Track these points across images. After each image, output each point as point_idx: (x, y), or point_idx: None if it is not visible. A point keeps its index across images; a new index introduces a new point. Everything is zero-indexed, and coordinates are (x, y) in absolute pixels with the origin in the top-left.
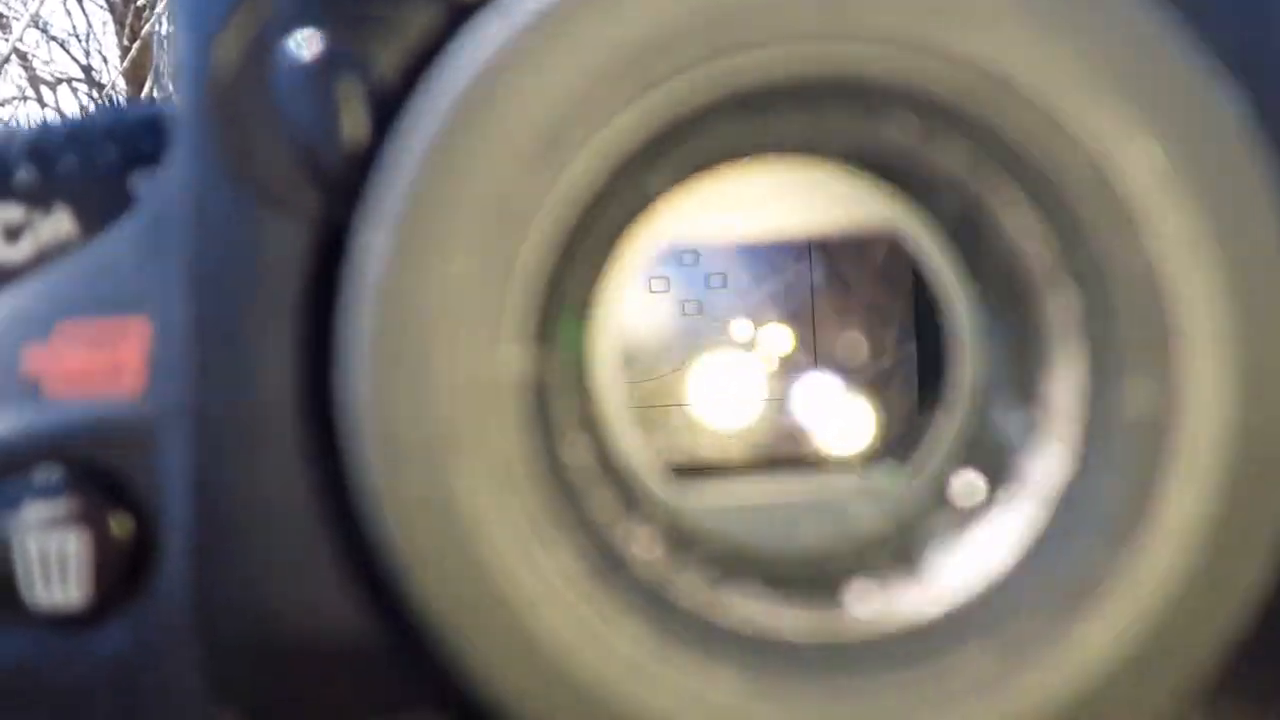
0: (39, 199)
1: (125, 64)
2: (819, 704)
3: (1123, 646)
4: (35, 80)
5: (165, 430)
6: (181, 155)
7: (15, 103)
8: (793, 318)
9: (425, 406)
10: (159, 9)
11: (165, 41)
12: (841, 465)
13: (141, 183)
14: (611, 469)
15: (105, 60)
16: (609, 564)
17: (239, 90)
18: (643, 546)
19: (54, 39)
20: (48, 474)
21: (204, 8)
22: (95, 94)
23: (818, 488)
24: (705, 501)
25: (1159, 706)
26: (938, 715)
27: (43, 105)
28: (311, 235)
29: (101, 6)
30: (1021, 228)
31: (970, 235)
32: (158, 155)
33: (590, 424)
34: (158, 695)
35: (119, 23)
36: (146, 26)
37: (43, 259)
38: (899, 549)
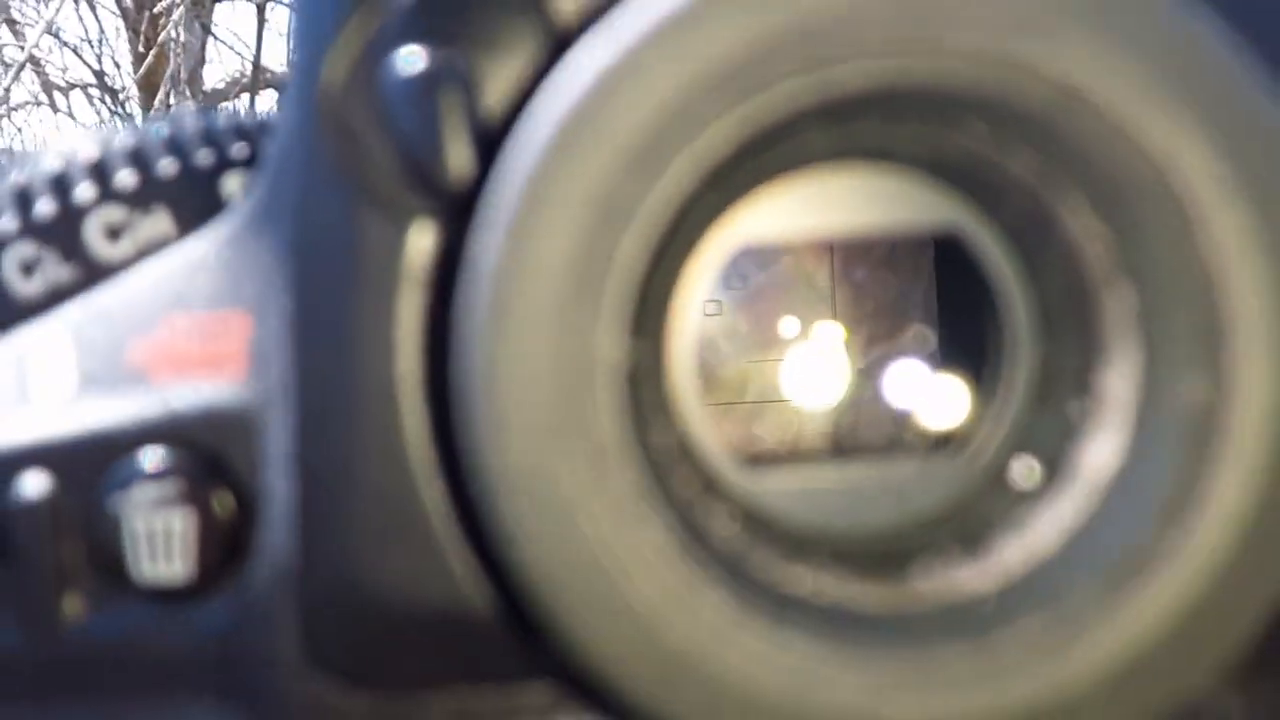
0: (139, 200)
1: (140, 71)
2: (884, 668)
3: (1169, 621)
4: (48, 86)
5: (267, 415)
6: (290, 159)
7: (29, 108)
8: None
9: (531, 389)
10: (174, 16)
11: (180, 48)
12: (907, 452)
13: (235, 185)
14: (689, 452)
15: (118, 66)
16: (692, 538)
17: (348, 99)
18: (720, 524)
19: (67, 45)
20: (154, 456)
21: (317, 21)
22: (108, 100)
23: (883, 474)
24: (777, 486)
25: (1202, 679)
26: (994, 682)
27: (55, 111)
28: (413, 234)
29: (114, 13)
30: (1083, 230)
31: (1032, 237)
32: (249, 160)
33: (670, 409)
34: (258, 666)
35: (132, 29)
36: (162, 35)
37: (142, 257)
38: (960, 529)
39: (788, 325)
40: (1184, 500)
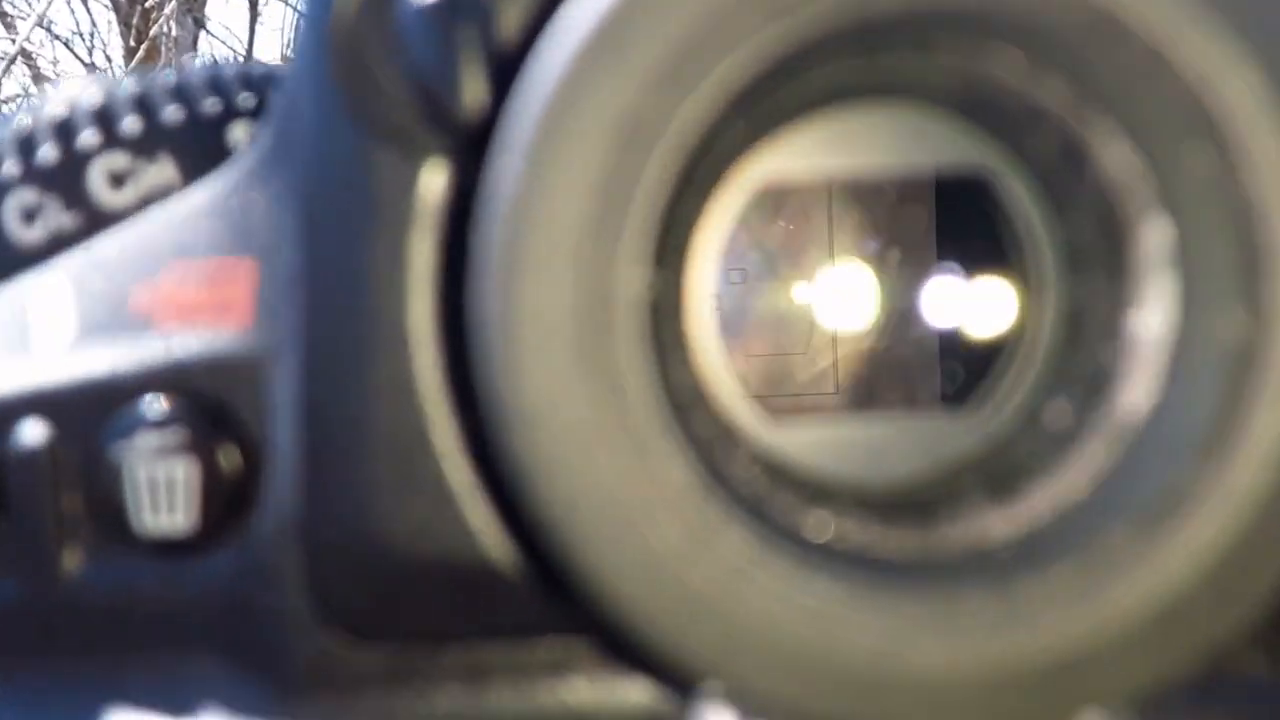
0: (144, 147)
1: (131, 65)
2: (908, 612)
3: (1201, 565)
4: (39, 78)
5: (273, 362)
6: (301, 97)
7: (19, 101)
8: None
9: (550, 321)
10: (166, 10)
11: (172, 42)
12: (932, 399)
13: (241, 134)
14: (707, 393)
15: (109, 60)
16: (713, 478)
17: (361, 32)
18: (740, 466)
19: (58, 38)
20: (157, 404)
21: None
22: None
23: (908, 423)
24: (799, 435)
25: (1234, 626)
26: (1020, 627)
27: None
28: (427, 171)
29: (106, 6)
30: (1117, 163)
31: (1062, 173)
32: (255, 109)
33: (688, 347)
34: (263, 620)
35: (124, 23)
36: (154, 28)
37: (146, 205)
38: (988, 475)
39: (811, 265)
40: (1221, 438)
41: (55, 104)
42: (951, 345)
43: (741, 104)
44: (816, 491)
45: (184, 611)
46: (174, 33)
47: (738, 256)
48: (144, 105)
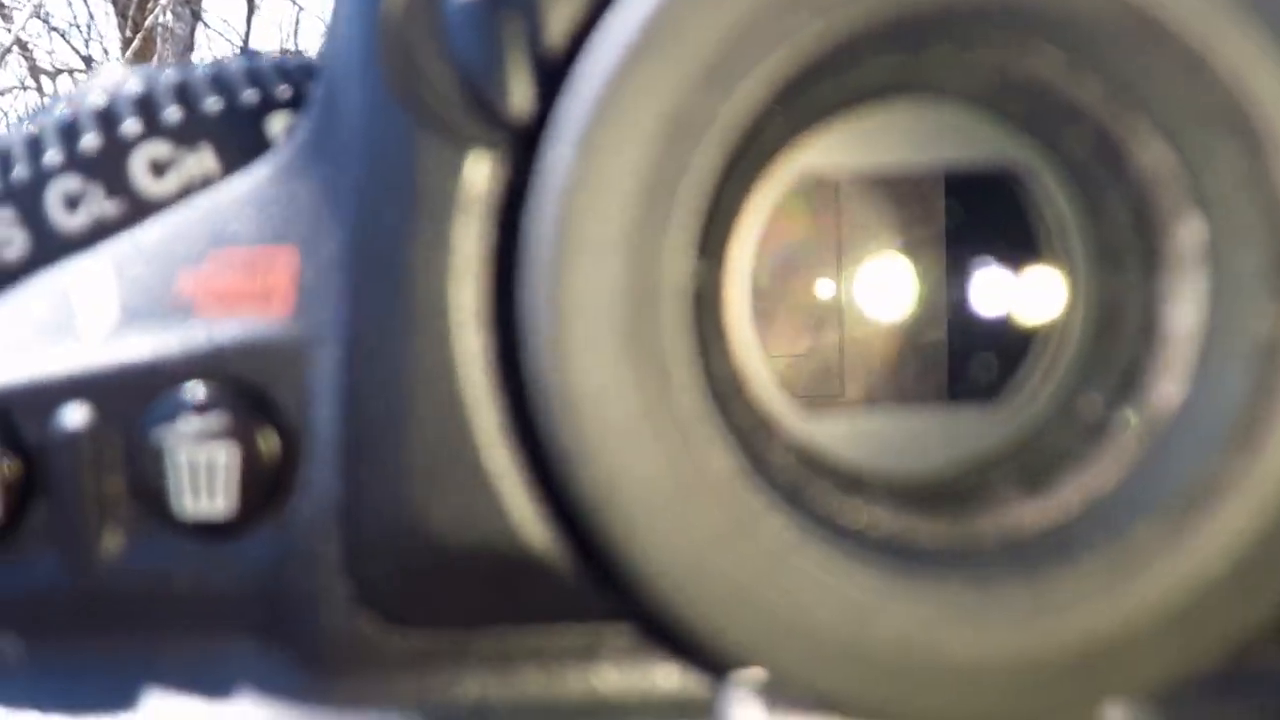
0: (185, 137)
1: (127, 55)
2: (942, 601)
3: (1231, 557)
4: (35, 70)
5: (314, 349)
6: (346, 88)
7: (15, 92)
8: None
9: (598, 307)
10: (164, 1)
11: (168, 34)
12: (967, 394)
13: (280, 125)
14: (745, 383)
15: (106, 52)
16: (752, 466)
17: (409, 25)
18: (778, 454)
19: (55, 29)
20: (199, 389)
21: None
22: None
23: (942, 417)
24: (835, 427)
25: (1262, 615)
26: (1052, 617)
27: (42, 95)
28: (472, 162)
29: None
30: (1152, 160)
31: (1096, 171)
32: (294, 101)
33: (728, 337)
34: (301, 604)
35: (121, 14)
36: (150, 20)
37: (187, 193)
38: (1021, 467)
39: (847, 258)
40: (1250, 431)
41: (96, 93)
42: (986, 338)
43: (785, 98)
44: (851, 482)
45: (221, 595)
46: (171, 24)
47: (775, 248)
48: (185, 95)
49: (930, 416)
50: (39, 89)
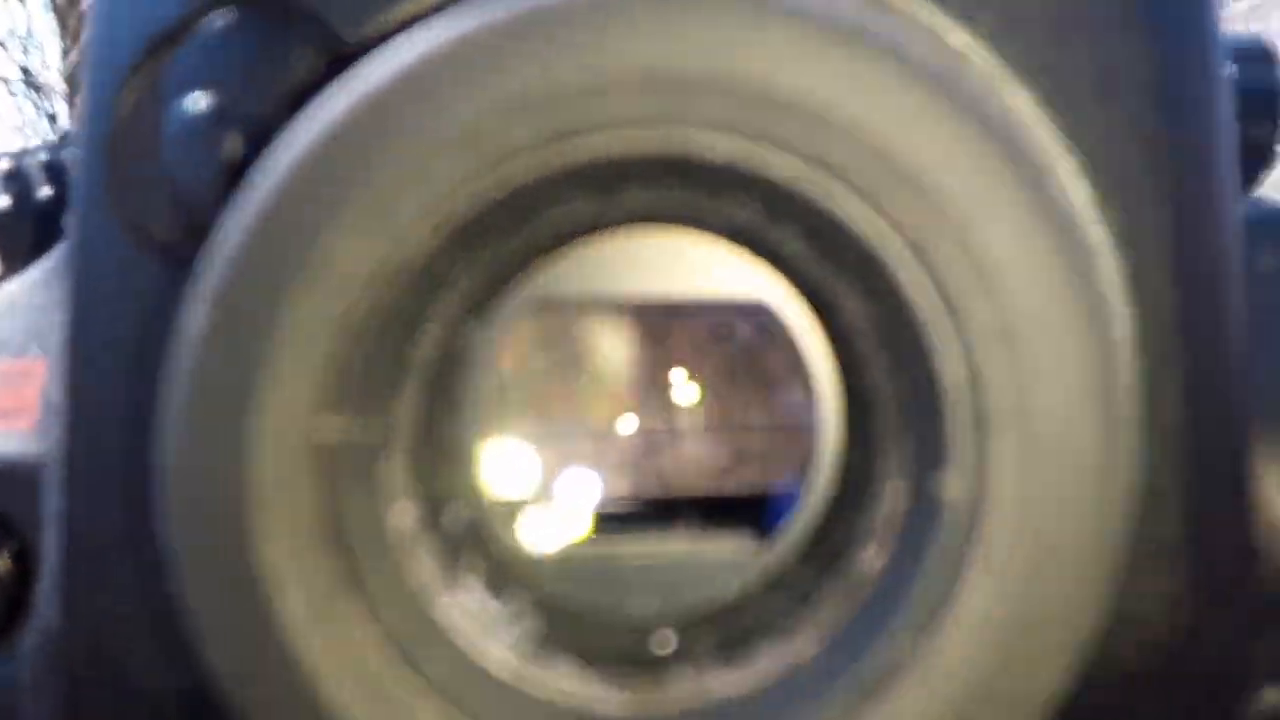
0: None
1: (67, 66)
2: None
3: None
4: None
5: (47, 469)
6: (74, 204)
7: None
8: None
9: (225, 468)
10: None
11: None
12: (694, 529)
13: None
14: (441, 531)
15: (46, 63)
16: (422, 633)
17: (131, 145)
18: (462, 615)
19: None
20: None
21: (105, 68)
22: (34, 95)
23: (654, 562)
24: (552, 558)
25: None
26: None
27: None
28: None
29: (45, 7)
30: (854, 313)
31: (821, 318)
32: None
33: (426, 485)
34: None
35: (62, 24)
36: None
37: None
38: (726, 633)
39: (585, 387)
40: (937, 607)
41: None
42: (711, 483)
43: (469, 242)
44: (545, 640)
45: None
46: None
47: (511, 376)
48: None
49: (642, 573)
50: None
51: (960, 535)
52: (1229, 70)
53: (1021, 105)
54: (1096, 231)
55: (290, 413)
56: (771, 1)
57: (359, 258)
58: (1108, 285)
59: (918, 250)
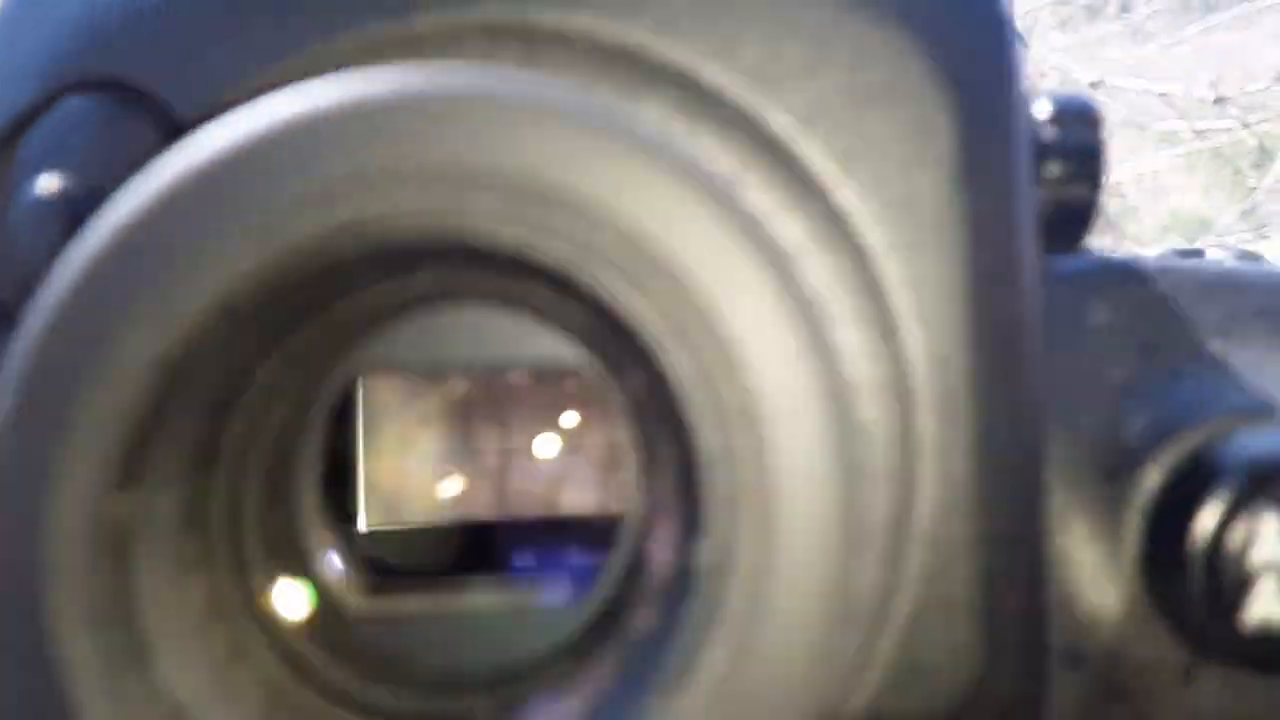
0: None
1: None
2: None
3: None
4: None
5: None
6: None
7: None
8: None
9: (19, 548)
10: None
11: None
12: (501, 588)
13: None
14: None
15: None
16: (214, 707)
17: None
18: (252, 685)
19: None
20: None
21: None
22: None
23: (457, 610)
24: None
25: None
26: None
27: None
28: None
29: None
30: (639, 388)
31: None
32: None
33: (227, 560)
34: None
35: None
36: None
37: None
38: (502, 694)
39: (400, 454)
40: (679, 675)
41: None
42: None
43: (272, 324)
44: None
45: None
46: None
47: (324, 450)
48: None
49: (440, 631)
50: None
51: (709, 604)
52: (1049, 132)
53: (769, 203)
54: (845, 310)
55: (82, 494)
56: (548, 101)
57: (145, 347)
58: (853, 363)
59: (677, 330)
